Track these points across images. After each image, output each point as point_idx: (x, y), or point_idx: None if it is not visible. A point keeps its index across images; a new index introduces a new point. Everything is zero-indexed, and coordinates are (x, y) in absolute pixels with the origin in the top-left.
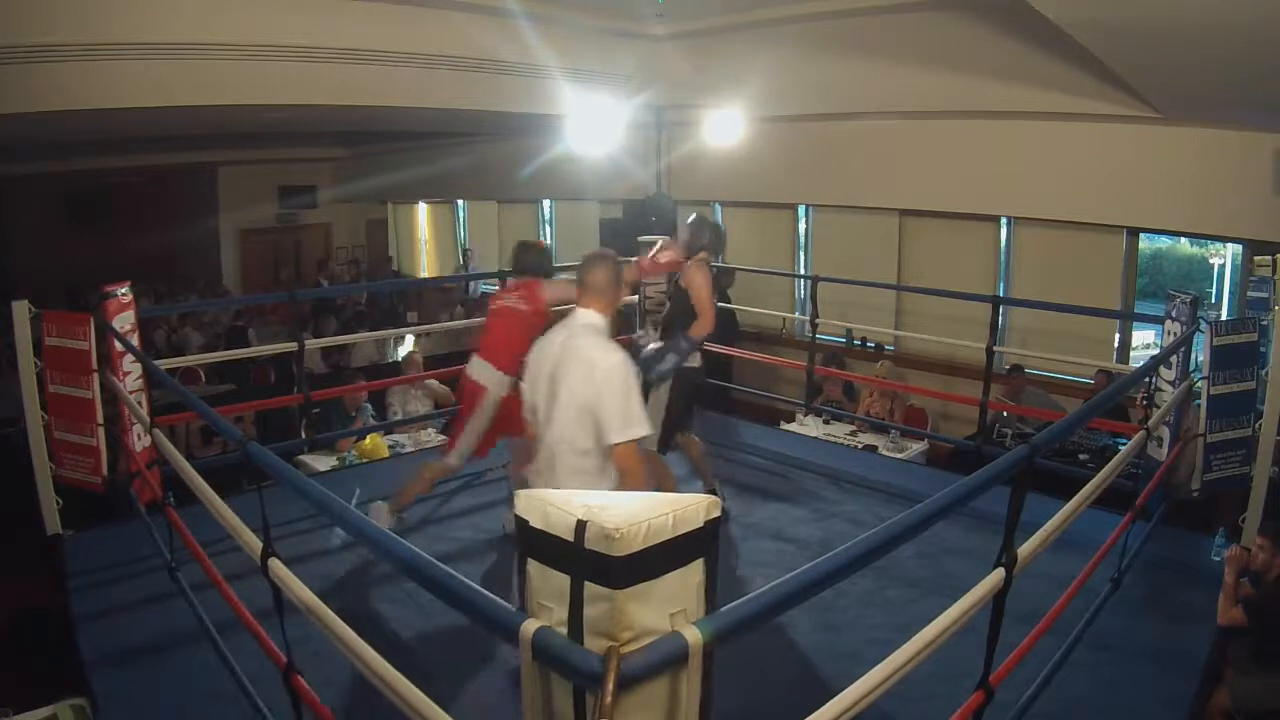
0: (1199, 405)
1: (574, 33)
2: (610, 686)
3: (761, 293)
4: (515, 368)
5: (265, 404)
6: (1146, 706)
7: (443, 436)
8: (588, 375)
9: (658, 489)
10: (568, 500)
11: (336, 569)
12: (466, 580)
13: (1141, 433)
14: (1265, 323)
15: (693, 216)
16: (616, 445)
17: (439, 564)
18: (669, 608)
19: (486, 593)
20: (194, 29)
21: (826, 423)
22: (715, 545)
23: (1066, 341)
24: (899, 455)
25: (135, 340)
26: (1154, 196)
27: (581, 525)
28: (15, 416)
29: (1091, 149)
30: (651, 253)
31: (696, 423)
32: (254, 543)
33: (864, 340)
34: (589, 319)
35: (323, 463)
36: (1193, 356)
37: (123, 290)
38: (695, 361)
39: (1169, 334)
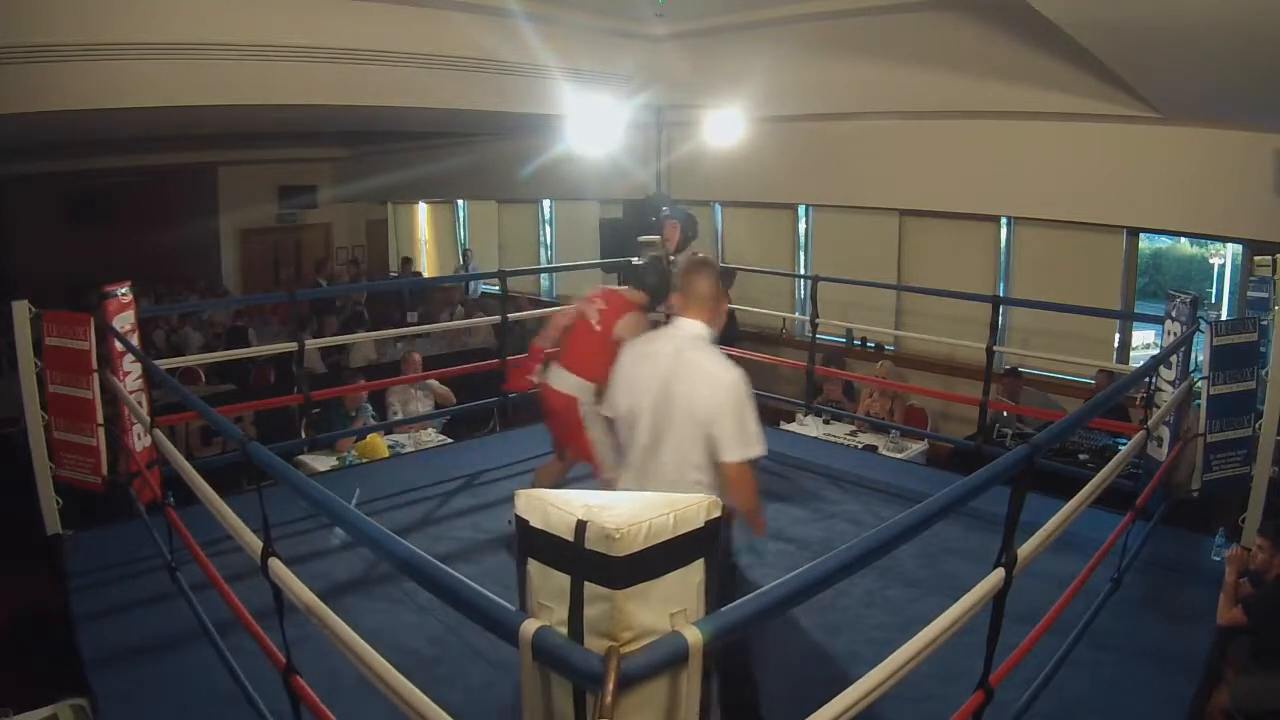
0: (1199, 405)
1: (574, 33)
2: (610, 686)
3: (761, 293)
4: (601, 377)
5: (265, 404)
6: (1146, 706)
7: (443, 436)
8: (709, 390)
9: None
10: (568, 500)
11: (336, 569)
12: (466, 580)
13: (1141, 433)
14: (1265, 323)
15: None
16: (732, 463)
17: (439, 564)
18: (669, 608)
19: (486, 593)
20: (194, 29)
21: (826, 423)
22: (716, 545)
23: (1066, 341)
24: (899, 455)
25: (135, 340)
26: (1154, 196)
27: (582, 525)
28: (15, 416)
29: (1091, 149)
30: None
31: None
32: (254, 543)
33: (864, 340)
34: (696, 330)
35: (323, 463)
36: (1193, 356)
37: (123, 290)
38: None
39: (1169, 334)
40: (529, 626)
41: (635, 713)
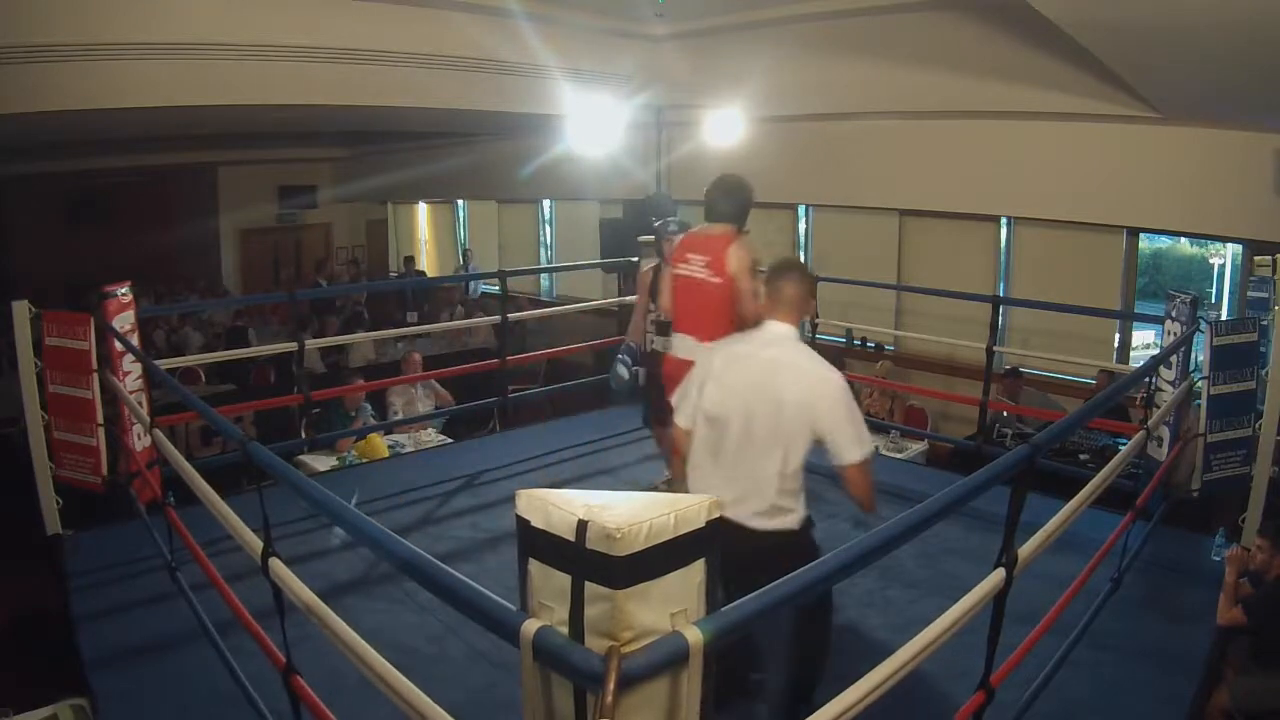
0: (1199, 405)
1: (574, 33)
2: (611, 686)
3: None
4: (727, 334)
5: (265, 404)
6: (1146, 706)
7: (443, 436)
8: (820, 392)
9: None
10: (569, 500)
11: (337, 569)
12: (467, 580)
13: (1141, 433)
14: (1265, 323)
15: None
16: (850, 465)
17: (439, 564)
18: (670, 607)
19: (487, 592)
20: (194, 29)
21: None
22: (717, 545)
23: (1067, 341)
24: (899, 455)
25: (135, 340)
26: (1154, 196)
27: (583, 525)
28: (15, 416)
29: (1091, 149)
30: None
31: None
32: (254, 542)
33: (864, 340)
34: (786, 331)
35: (323, 463)
36: (1193, 356)
37: (123, 290)
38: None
39: (1169, 334)
40: (530, 626)
41: (636, 713)
